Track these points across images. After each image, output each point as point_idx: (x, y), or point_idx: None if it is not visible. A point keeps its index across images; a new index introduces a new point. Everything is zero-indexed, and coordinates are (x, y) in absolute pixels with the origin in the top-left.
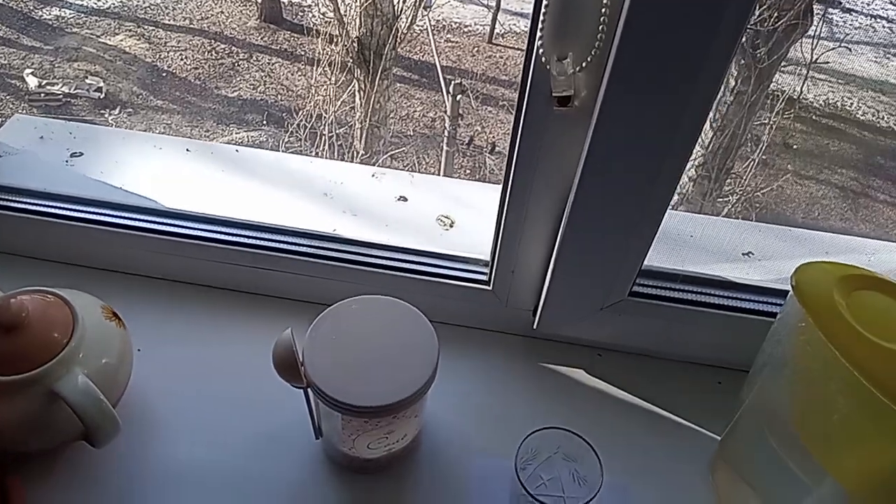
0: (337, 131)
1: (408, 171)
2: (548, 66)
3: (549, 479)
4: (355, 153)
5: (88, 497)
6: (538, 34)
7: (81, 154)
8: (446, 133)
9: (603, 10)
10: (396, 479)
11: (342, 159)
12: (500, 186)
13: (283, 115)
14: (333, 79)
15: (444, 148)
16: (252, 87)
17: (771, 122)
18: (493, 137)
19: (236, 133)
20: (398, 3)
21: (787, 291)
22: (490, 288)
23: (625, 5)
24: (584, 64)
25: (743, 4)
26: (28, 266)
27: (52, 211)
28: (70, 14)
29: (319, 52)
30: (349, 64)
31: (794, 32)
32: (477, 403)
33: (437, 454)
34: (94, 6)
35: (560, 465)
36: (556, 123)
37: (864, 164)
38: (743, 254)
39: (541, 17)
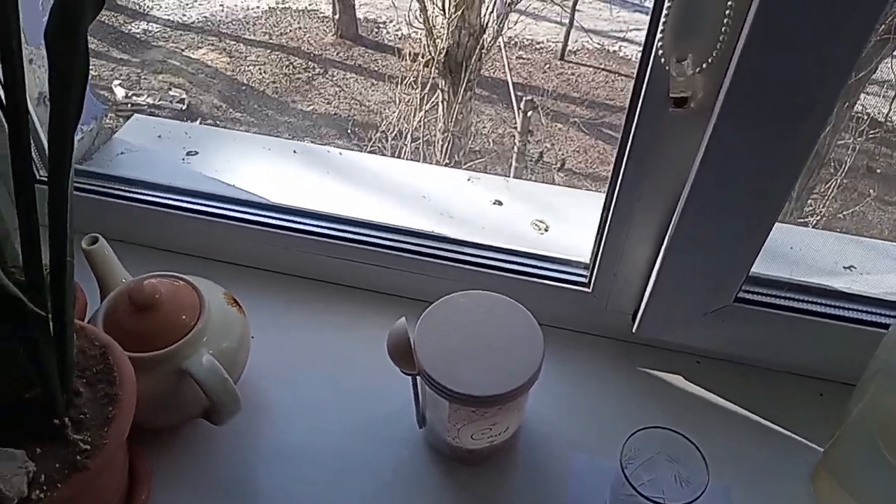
0: (417, 144)
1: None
2: (667, 67)
3: (650, 480)
4: (437, 163)
5: (206, 471)
6: (658, 35)
7: (197, 153)
8: (516, 149)
9: (727, 11)
10: (496, 471)
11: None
12: (593, 193)
13: (357, 129)
14: (418, 92)
15: (514, 164)
16: (327, 101)
17: (854, 144)
18: (563, 154)
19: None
20: (485, 15)
21: None
22: (590, 290)
23: (752, 6)
24: (703, 66)
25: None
26: (152, 255)
27: (174, 203)
28: (157, 28)
29: (405, 67)
30: (434, 77)
31: (884, 47)
32: (574, 404)
33: (536, 450)
34: (179, 21)
35: (662, 466)
36: (669, 125)
37: None
38: (844, 267)
39: (662, 18)
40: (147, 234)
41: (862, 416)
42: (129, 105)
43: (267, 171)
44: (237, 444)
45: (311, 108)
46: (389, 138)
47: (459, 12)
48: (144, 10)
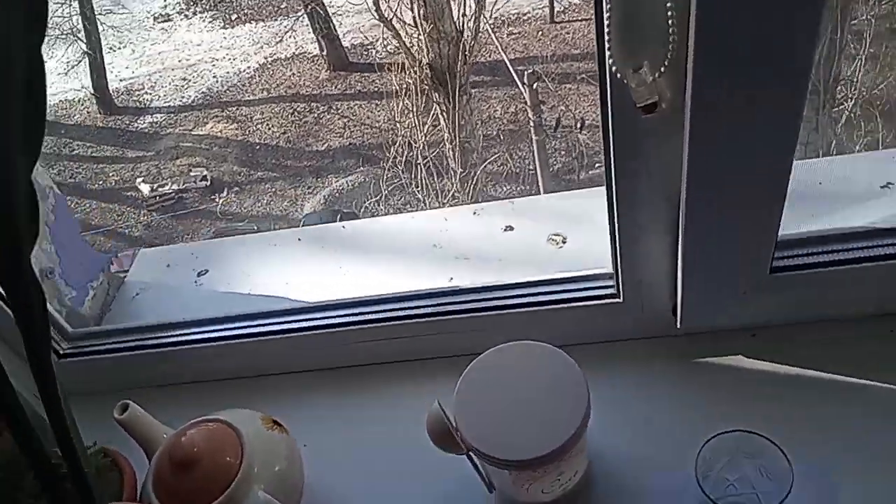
0: (429, 154)
1: (507, 198)
2: (624, 81)
3: (737, 479)
4: (452, 173)
5: None
6: (607, 52)
7: (207, 271)
8: (531, 123)
9: (669, 12)
10: None
11: (441, 179)
12: (603, 189)
13: (373, 152)
14: (414, 107)
15: (533, 137)
16: (338, 135)
17: (873, 13)
18: (580, 113)
19: (335, 181)
20: (459, 20)
21: None
22: (621, 300)
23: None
24: (662, 69)
25: None
26: (182, 393)
27: (192, 338)
28: (161, 117)
29: (396, 84)
30: (426, 90)
31: None
32: (638, 417)
33: (612, 479)
34: (180, 104)
35: (744, 463)
36: (647, 129)
37: None
38: (881, 186)
39: (605, 35)
40: (176, 374)
41: None
42: (157, 197)
43: (278, 269)
44: None
45: (326, 145)
46: (404, 156)
47: (432, 24)
48: (144, 104)
